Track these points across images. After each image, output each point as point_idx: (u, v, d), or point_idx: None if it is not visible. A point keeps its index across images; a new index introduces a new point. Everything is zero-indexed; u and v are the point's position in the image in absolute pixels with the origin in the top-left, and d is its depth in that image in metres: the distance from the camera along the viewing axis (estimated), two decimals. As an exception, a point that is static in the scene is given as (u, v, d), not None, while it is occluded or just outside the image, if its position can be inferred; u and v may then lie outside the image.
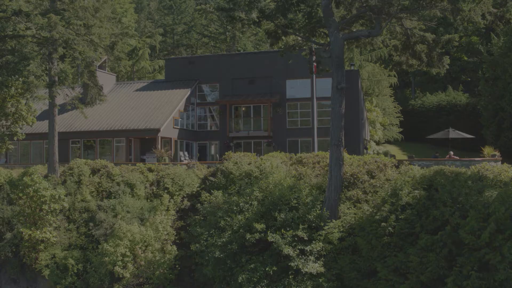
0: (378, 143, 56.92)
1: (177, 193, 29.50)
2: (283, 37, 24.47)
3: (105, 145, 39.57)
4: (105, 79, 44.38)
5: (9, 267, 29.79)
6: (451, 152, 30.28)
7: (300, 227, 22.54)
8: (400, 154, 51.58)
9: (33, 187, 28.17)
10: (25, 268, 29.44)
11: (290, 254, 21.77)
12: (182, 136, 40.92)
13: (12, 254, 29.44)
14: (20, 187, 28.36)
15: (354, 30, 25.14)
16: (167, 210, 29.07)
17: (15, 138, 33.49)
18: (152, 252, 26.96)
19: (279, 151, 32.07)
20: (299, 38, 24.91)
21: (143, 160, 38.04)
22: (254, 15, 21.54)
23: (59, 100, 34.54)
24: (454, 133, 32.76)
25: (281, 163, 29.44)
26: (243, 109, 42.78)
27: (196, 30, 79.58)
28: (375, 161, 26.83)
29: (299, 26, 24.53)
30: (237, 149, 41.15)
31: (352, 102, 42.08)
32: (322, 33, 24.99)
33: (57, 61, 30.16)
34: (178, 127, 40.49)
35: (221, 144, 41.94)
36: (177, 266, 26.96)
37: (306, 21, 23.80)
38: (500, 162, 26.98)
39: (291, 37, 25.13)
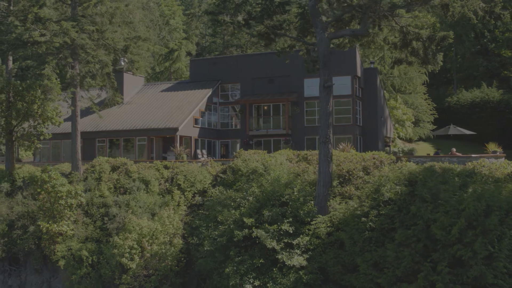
0: (410, 140, 56.42)
1: (189, 189, 30.65)
2: (275, 39, 25.09)
3: (129, 144, 41.37)
4: (134, 80, 46.36)
5: (32, 258, 31.67)
6: (454, 149, 30.04)
7: (285, 221, 23.20)
8: (431, 151, 50.98)
9: (51, 183, 30.04)
10: (47, 259, 31.28)
11: (275, 248, 22.48)
12: (203, 135, 42.18)
13: (35, 246, 31.29)
14: (39, 183, 30.34)
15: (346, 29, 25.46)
16: (178, 205, 30.27)
17: (41, 138, 35.66)
18: (158, 245, 28.20)
19: (288, 148, 32.73)
20: (291, 39, 25.47)
21: (164, 158, 39.55)
22: (240, 18, 22.34)
23: (89, 102, 36.56)
24: (454, 130, 32.42)
25: (287, 160, 30.14)
26: (265, 108, 43.59)
27: (246, 30, 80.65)
28: (373, 158, 27.10)
29: (293, 26, 25.14)
30: (258, 147, 42.05)
31: (370, 100, 42.23)
32: (313, 33, 25.45)
33: (78, 64, 32.04)
34: (199, 126, 41.80)
35: (242, 142, 42.96)
36: (182, 259, 28.09)
37: (299, 22, 24.38)
38: (503, 159, 26.64)
39: (285, 38, 25.73)
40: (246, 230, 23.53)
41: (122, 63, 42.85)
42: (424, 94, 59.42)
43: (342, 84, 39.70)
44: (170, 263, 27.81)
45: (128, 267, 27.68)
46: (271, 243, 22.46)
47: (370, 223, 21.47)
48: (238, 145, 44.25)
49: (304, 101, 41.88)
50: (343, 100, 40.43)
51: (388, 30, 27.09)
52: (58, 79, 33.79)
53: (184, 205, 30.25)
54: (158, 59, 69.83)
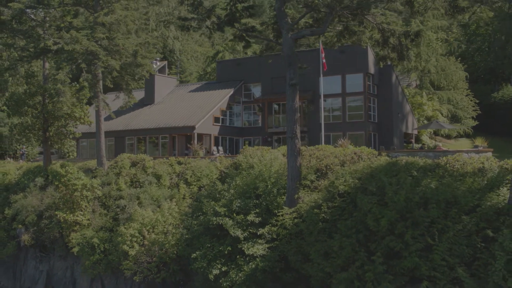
0: (448, 136, 55.39)
1: (195, 183, 32.70)
2: (250, 41, 26.46)
3: (156, 141, 44.12)
4: (166, 82, 49.25)
5: (57, 245, 34.87)
6: (440, 144, 29.99)
7: (252, 212, 24.60)
8: (470, 147, 49.93)
9: (67, 177, 33.12)
10: (69, 247, 34.49)
11: (239, 236, 23.97)
12: (224, 133, 44.13)
13: (59, 235, 34.50)
14: (57, 177, 33.54)
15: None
16: (183, 198, 32.39)
17: (70, 136, 39.11)
18: (156, 234, 30.39)
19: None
20: (265, 40, 26.75)
21: (186, 155, 41.88)
22: (208, 23, 23.95)
23: (118, 103, 39.53)
24: (436, 125, 32.13)
25: (282, 154, 31.45)
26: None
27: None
28: (354, 153, 27.79)
29: (271, 27, 26.48)
30: (277, 143, 43.42)
31: (385, 97, 42.28)
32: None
33: (100, 69, 34.93)
34: (219, 124, 43.80)
35: (262, 139, 44.49)
36: (179, 247, 30.10)
37: (273, 24, 25.70)
38: (490, 153, 26.42)
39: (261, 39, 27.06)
40: (219, 218, 25.11)
41: (154, 66, 45.81)
42: (467, 90, 57.98)
43: (354, 82, 40.19)
44: (169, 250, 29.88)
45: (129, 254, 30.06)
46: (236, 232, 23.97)
47: (323, 215, 22.40)
48: (260, 143, 45.79)
49: (319, 99, 42.65)
50: (355, 98, 40.90)
51: (370, 29, 27.68)
52: (87, 83, 36.99)
53: (190, 198, 32.25)
54: (206, 60, 72.76)
